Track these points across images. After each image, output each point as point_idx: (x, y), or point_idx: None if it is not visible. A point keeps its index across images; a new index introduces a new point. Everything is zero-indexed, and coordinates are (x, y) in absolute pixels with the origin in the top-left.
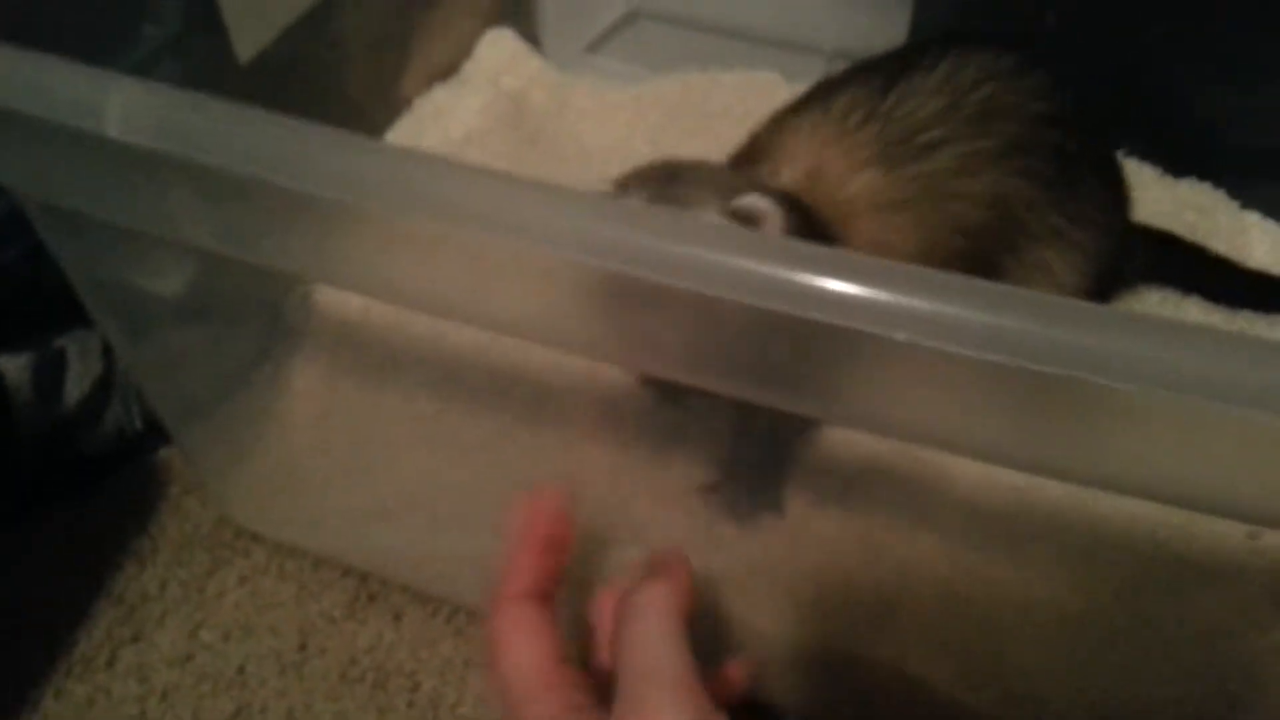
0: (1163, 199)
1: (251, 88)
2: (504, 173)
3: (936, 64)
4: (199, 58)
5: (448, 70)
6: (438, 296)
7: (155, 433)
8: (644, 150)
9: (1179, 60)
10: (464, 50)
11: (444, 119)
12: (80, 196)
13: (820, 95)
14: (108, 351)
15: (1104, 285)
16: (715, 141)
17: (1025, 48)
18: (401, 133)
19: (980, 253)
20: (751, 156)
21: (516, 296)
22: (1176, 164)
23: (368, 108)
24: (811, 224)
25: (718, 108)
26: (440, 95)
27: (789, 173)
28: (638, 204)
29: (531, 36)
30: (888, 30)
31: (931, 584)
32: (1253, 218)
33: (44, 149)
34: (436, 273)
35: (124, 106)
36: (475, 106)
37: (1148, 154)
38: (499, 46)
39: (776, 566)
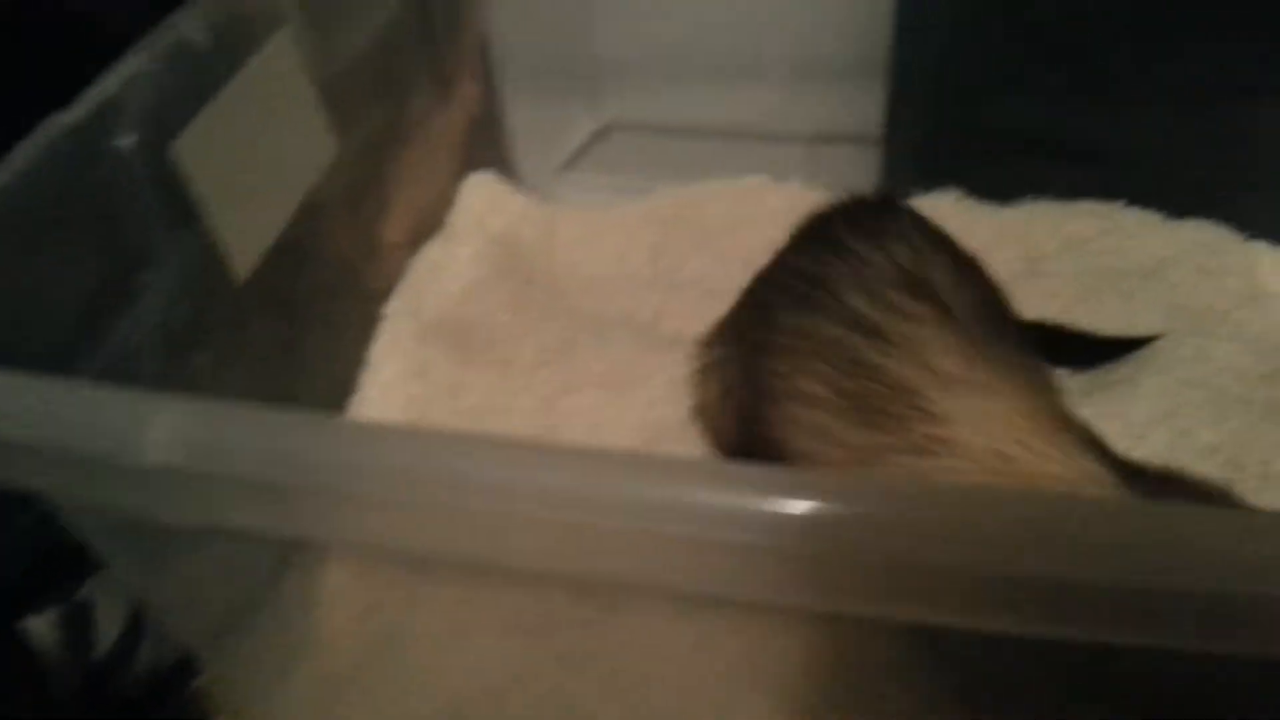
0: (1168, 243)
1: (250, 293)
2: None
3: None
4: (199, 286)
5: (435, 223)
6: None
7: (191, 664)
8: (644, 272)
9: (1160, 105)
10: (447, 200)
11: (440, 276)
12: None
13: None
14: None
15: None
16: (712, 255)
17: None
18: (403, 299)
19: None
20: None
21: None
22: (1177, 206)
23: (363, 273)
24: None
25: (710, 220)
26: (432, 252)
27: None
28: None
29: (506, 163)
30: (862, 110)
31: None
32: (1261, 247)
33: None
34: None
35: (157, 433)
36: (467, 257)
37: (1148, 201)
38: (479, 191)
39: None
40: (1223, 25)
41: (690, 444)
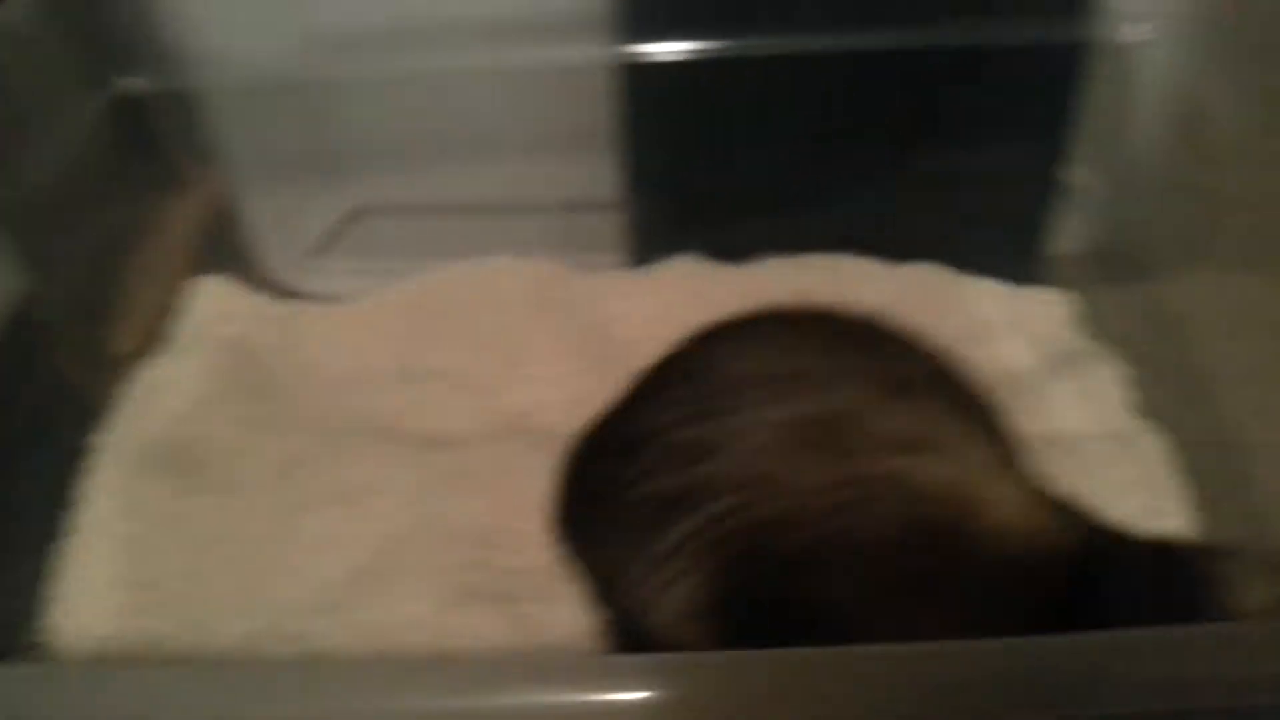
0: (890, 287)
1: None
2: None
3: None
4: None
5: (160, 334)
6: None
7: None
8: (385, 368)
9: (876, 158)
10: (173, 309)
11: (160, 395)
12: None
13: None
14: None
15: None
16: (453, 343)
17: None
18: (118, 425)
19: None
20: None
21: None
22: (899, 252)
23: (90, 396)
24: None
25: (451, 306)
26: (158, 368)
27: None
28: None
29: (250, 258)
30: (601, 179)
31: None
32: (980, 282)
33: None
34: None
35: None
36: (195, 371)
37: (872, 249)
38: (208, 297)
39: None
40: (913, 83)
41: (430, 554)
